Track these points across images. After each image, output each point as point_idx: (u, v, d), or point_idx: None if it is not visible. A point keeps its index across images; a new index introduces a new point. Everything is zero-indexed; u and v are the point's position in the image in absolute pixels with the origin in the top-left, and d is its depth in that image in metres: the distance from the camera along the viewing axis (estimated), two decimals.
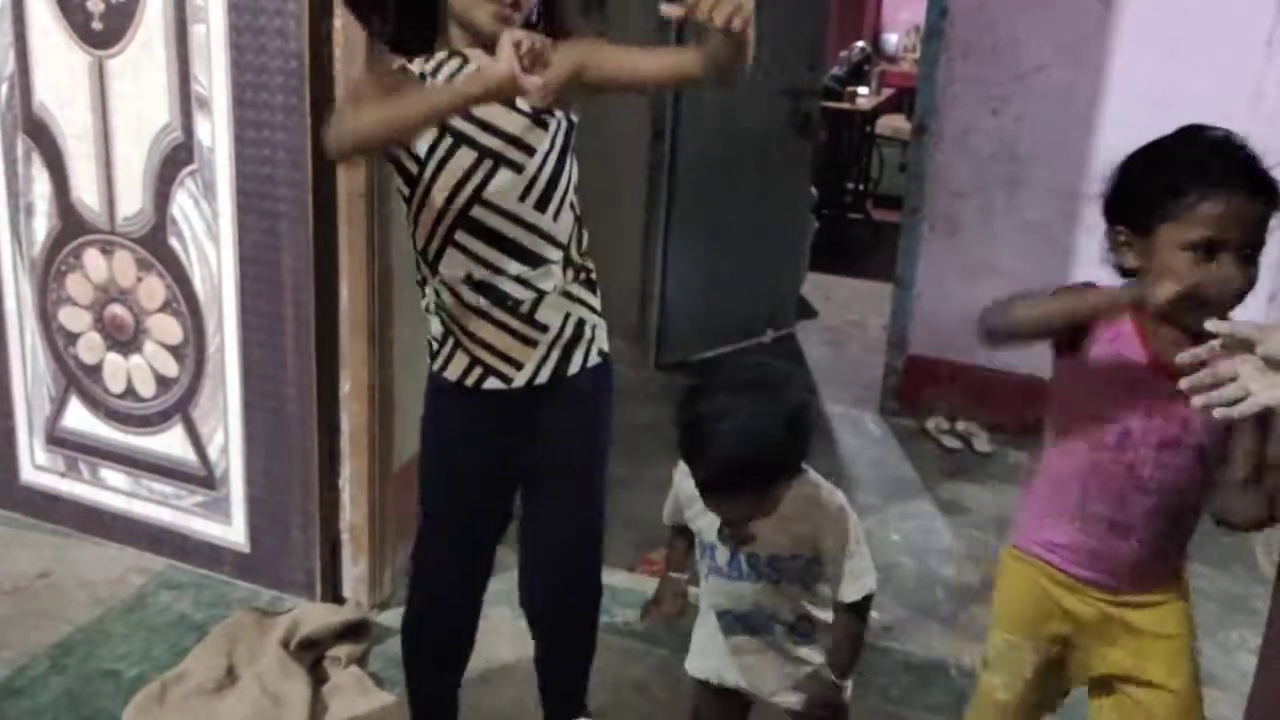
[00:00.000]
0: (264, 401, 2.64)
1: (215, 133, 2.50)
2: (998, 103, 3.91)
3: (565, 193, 1.84)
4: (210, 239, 2.59)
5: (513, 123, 1.77)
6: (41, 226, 2.75)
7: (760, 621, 1.85)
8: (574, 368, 1.90)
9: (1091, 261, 3.98)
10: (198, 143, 2.53)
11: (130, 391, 2.79)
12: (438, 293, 1.88)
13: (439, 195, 1.79)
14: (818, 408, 4.45)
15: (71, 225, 2.72)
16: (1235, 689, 2.53)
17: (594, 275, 1.94)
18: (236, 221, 2.55)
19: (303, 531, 2.69)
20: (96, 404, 2.83)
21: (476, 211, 1.79)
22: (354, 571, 2.73)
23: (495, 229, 1.80)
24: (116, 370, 2.79)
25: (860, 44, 6.52)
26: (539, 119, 1.78)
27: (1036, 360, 4.20)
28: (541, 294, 1.84)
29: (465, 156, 1.77)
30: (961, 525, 3.60)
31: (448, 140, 1.76)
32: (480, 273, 1.82)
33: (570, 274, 1.88)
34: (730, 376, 1.73)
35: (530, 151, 1.78)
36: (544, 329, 1.86)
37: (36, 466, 2.94)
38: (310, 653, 2.54)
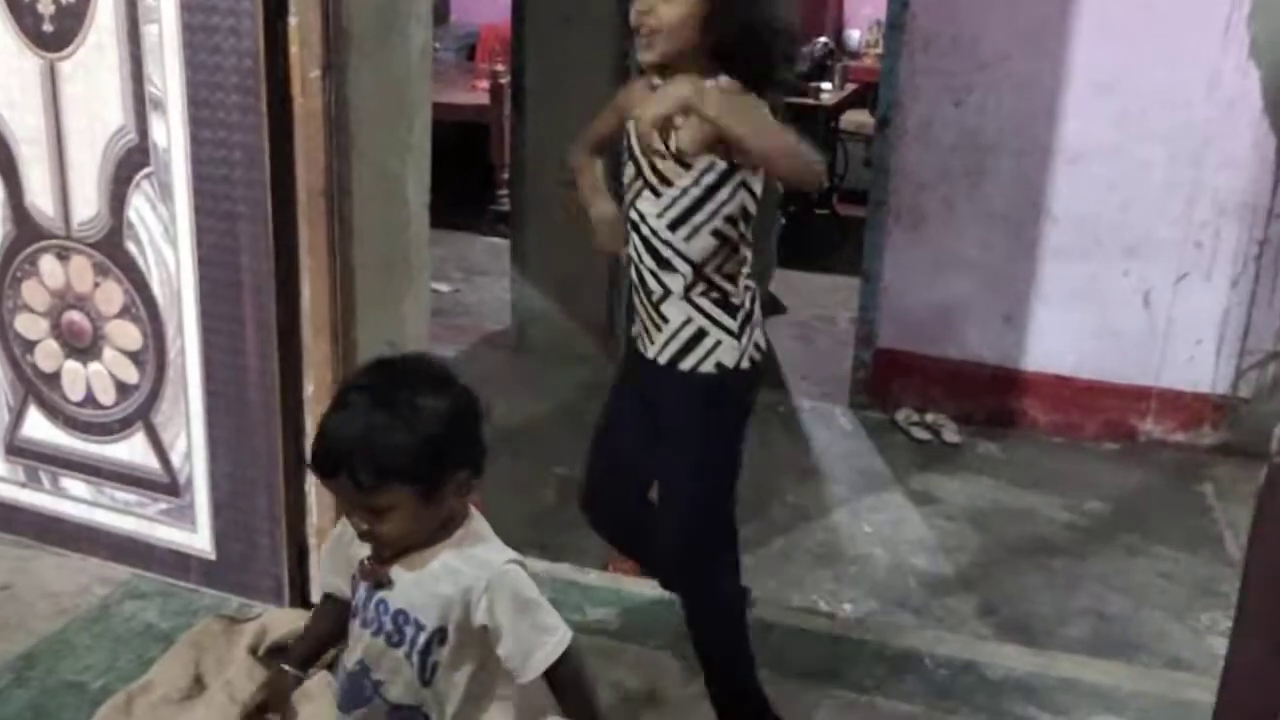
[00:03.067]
0: (227, 405, 2.61)
1: (170, 134, 2.46)
2: (960, 94, 3.93)
3: (706, 221, 2.08)
4: (168, 242, 2.55)
5: (660, 158, 2.06)
6: None
7: (360, 688, 1.63)
8: (686, 365, 2.14)
9: (1059, 252, 4.05)
10: (153, 144, 2.49)
11: (90, 399, 2.75)
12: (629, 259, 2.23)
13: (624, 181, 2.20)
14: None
15: (26, 231, 2.68)
16: (1208, 671, 2.55)
17: (735, 300, 2.15)
18: (194, 224, 2.51)
19: (269, 537, 2.66)
20: (56, 412, 2.79)
21: (633, 214, 2.15)
22: None
23: (643, 231, 2.14)
24: (75, 378, 2.75)
25: (823, 40, 6.53)
26: (683, 160, 2.04)
27: (1006, 351, 4.25)
28: (668, 292, 2.14)
29: (630, 170, 2.15)
30: (933, 516, 3.62)
31: (627, 153, 2.16)
32: (634, 254, 2.18)
33: (700, 286, 2.12)
34: (389, 370, 1.60)
35: (668, 184, 2.07)
36: (665, 320, 2.16)
37: None
38: (279, 659, 2.50)
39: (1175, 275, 3.86)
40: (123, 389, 2.70)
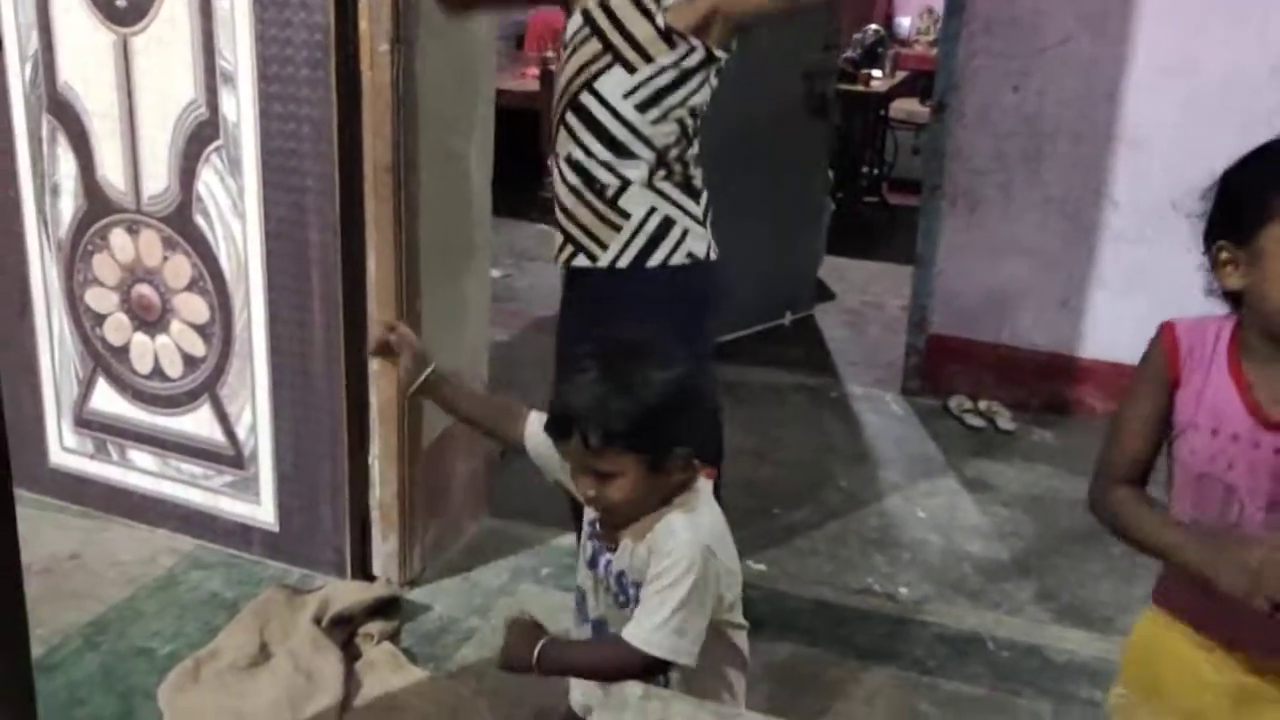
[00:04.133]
0: (292, 379, 2.64)
1: (240, 108, 2.49)
2: (1018, 78, 3.89)
3: (674, 107, 2.02)
4: (236, 215, 2.58)
5: (641, 30, 1.99)
6: (68, 207, 2.74)
7: (602, 637, 1.66)
8: (654, 261, 2.05)
9: (1118, 237, 3.99)
10: (223, 118, 2.52)
11: (157, 372, 2.78)
12: (557, 170, 2.13)
13: (564, 76, 2.08)
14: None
15: (98, 205, 2.71)
16: None
17: (696, 183, 2.08)
18: (262, 197, 2.54)
19: (332, 509, 2.69)
20: (124, 385, 2.83)
21: (585, 98, 2.04)
22: (384, 549, 2.72)
23: (597, 116, 2.02)
24: (144, 351, 2.78)
25: (873, 27, 6.49)
26: (669, 36, 1.99)
27: (1061, 337, 4.21)
28: (626, 183, 2.03)
29: (592, 46, 2.02)
30: (987, 502, 3.58)
31: (585, 28, 2.04)
32: (577, 153, 2.06)
33: (662, 171, 2.05)
34: (623, 343, 1.59)
35: (648, 59, 2.00)
36: (626, 215, 2.05)
37: (65, 449, 2.94)
38: (342, 630, 2.53)
39: None
40: (190, 362, 2.74)
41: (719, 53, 2.06)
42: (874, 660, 2.53)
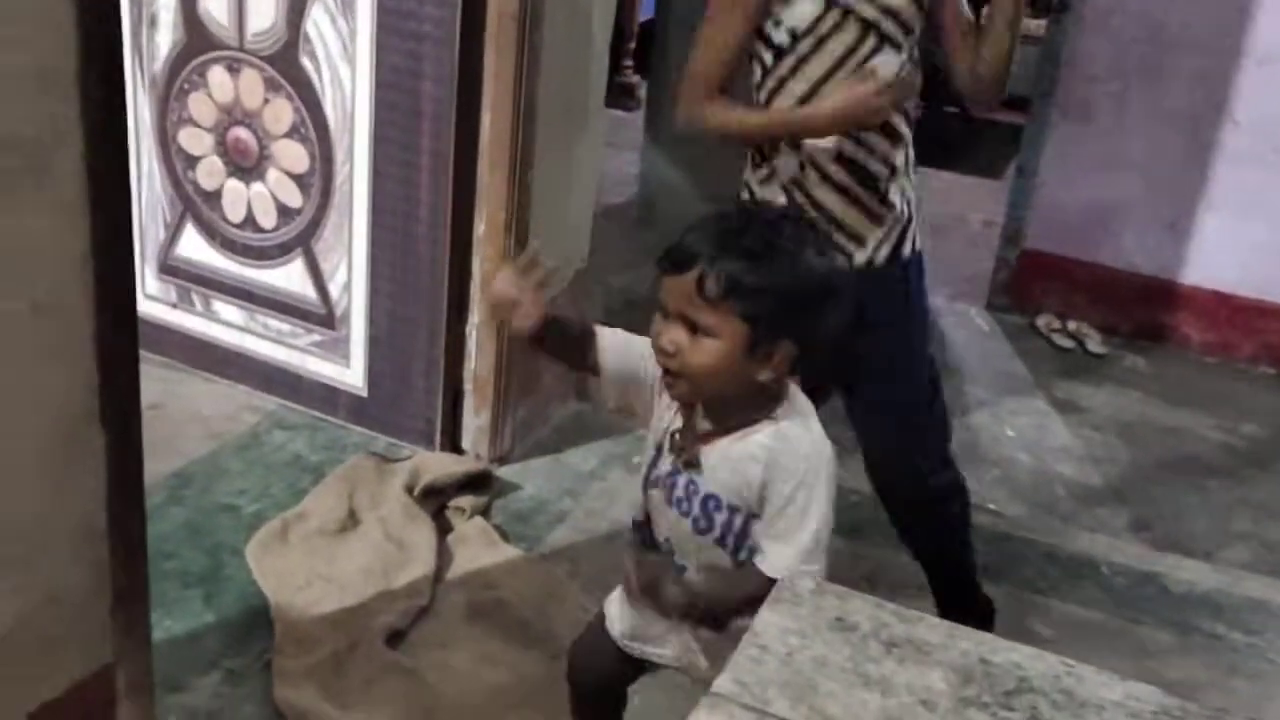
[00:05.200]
0: (392, 239, 2.51)
1: None
2: None
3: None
4: (345, 60, 2.43)
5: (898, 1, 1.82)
6: (165, 40, 2.60)
7: (665, 563, 1.51)
8: (906, 252, 1.94)
9: (1236, 157, 3.81)
10: None
11: (250, 221, 2.66)
12: (802, 166, 1.88)
13: (817, 68, 1.82)
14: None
15: (197, 40, 2.56)
16: None
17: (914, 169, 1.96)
18: (375, 42, 2.38)
19: (425, 378, 2.58)
20: (213, 233, 2.71)
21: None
22: (475, 423, 2.62)
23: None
24: (237, 198, 2.66)
25: None
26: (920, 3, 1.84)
27: (1164, 261, 4.05)
28: (894, 171, 1.90)
29: (850, 31, 1.80)
30: (1077, 425, 3.47)
31: (833, 14, 1.80)
32: (850, 148, 1.85)
33: (910, 155, 1.93)
34: (793, 221, 1.47)
35: (908, 31, 1.84)
36: (891, 207, 1.91)
37: (147, 296, 2.83)
38: (433, 501, 2.45)
39: None
40: (285, 212, 2.61)
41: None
42: (983, 578, 2.43)
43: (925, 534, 2.18)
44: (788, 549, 1.39)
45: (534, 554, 2.38)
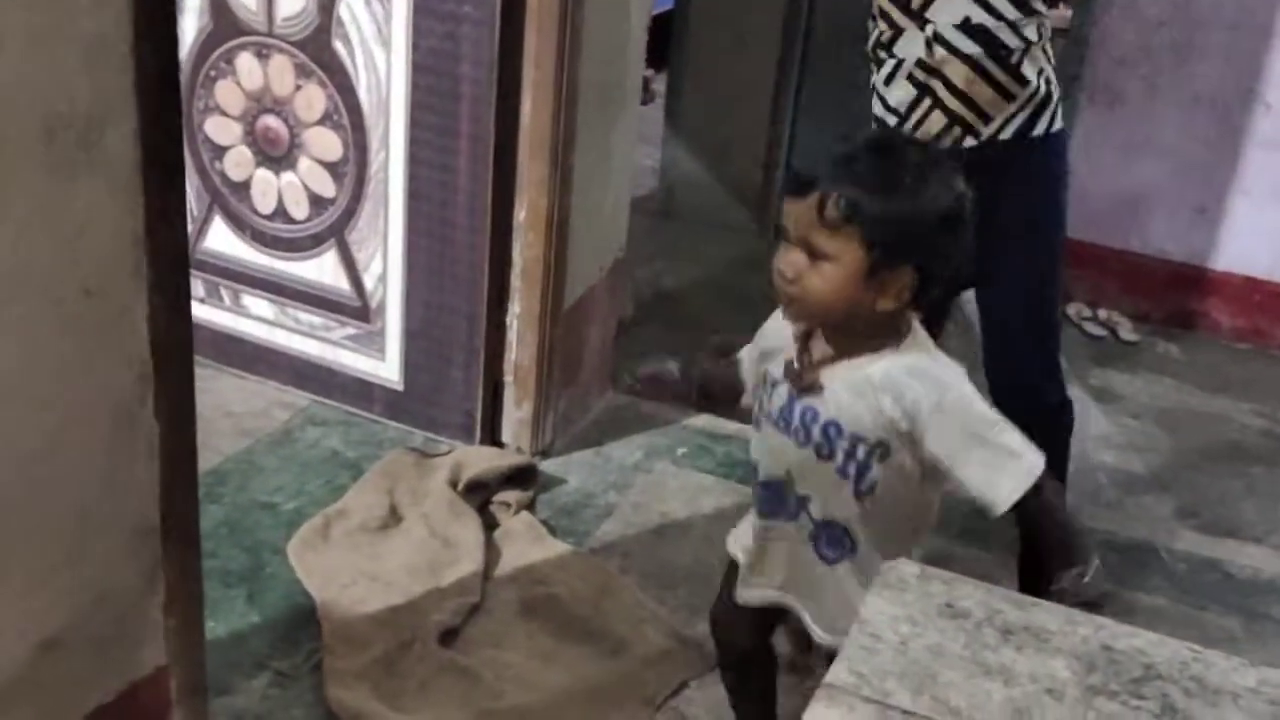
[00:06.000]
0: (429, 227, 2.44)
1: None
2: None
3: None
4: (380, 44, 2.36)
5: None
6: (191, 25, 2.52)
7: (782, 500, 1.50)
8: (1038, 130, 1.89)
9: (1267, 141, 3.76)
10: None
11: (280, 212, 2.59)
12: (928, 43, 1.87)
13: None
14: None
15: (224, 25, 2.49)
16: None
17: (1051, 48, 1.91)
18: (412, 24, 2.31)
19: (464, 370, 2.51)
20: (242, 224, 2.63)
21: None
22: (516, 415, 2.55)
23: None
24: (267, 188, 2.58)
25: None
26: None
27: (1194, 247, 3.99)
28: (1028, 44, 1.84)
29: None
30: (1115, 413, 3.42)
31: None
32: (979, 15, 1.82)
33: (1046, 30, 1.87)
34: (926, 148, 1.47)
35: None
36: (1025, 83, 1.86)
37: None
38: (476, 496, 2.38)
39: None
40: (317, 203, 2.54)
41: None
42: None
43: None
44: (999, 480, 1.35)
45: (584, 549, 2.31)
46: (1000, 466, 1.35)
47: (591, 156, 2.46)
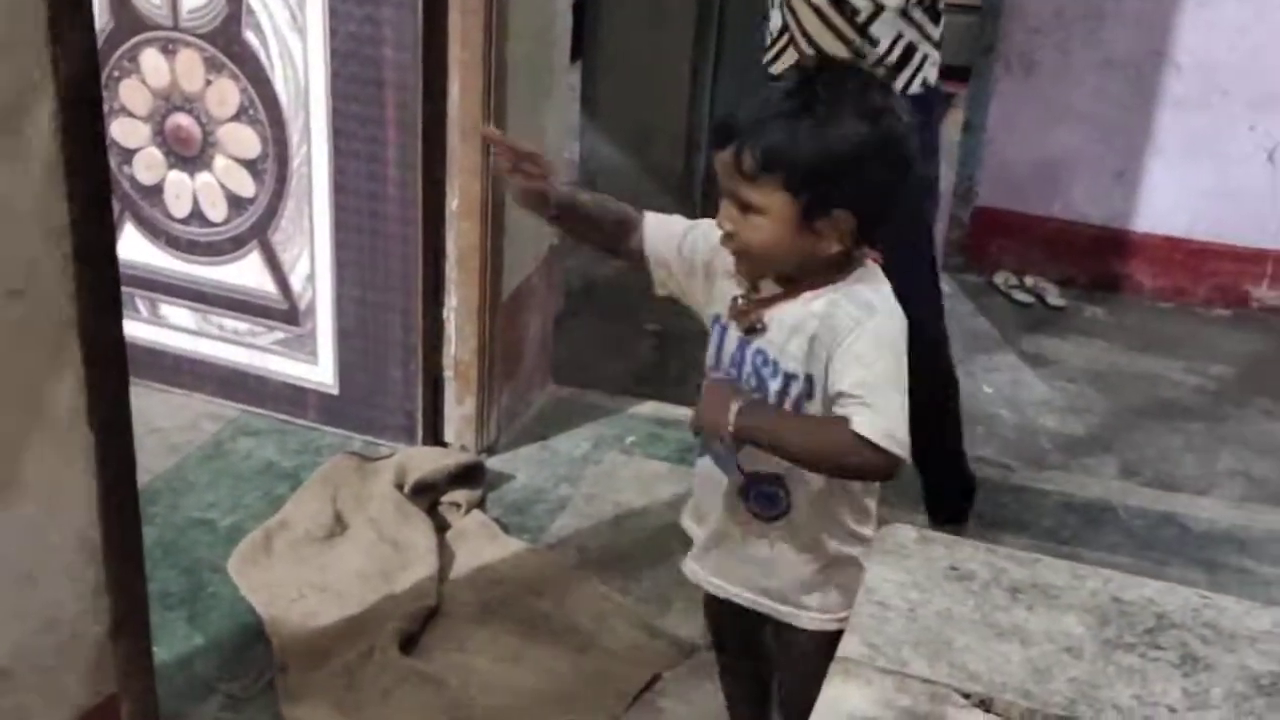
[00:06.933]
0: (358, 222, 2.34)
1: None
2: None
3: None
4: (295, 31, 2.25)
5: None
6: None
7: (719, 450, 1.42)
8: (895, 87, 1.84)
9: (1179, 102, 3.82)
10: None
11: (197, 215, 2.46)
12: None
13: None
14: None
15: (126, 21, 2.36)
16: None
17: (942, 8, 1.93)
18: (328, 9, 2.22)
19: (402, 369, 2.42)
20: (156, 230, 2.50)
21: None
22: (458, 412, 2.46)
23: None
24: (180, 191, 2.46)
25: None
26: None
27: (1114, 210, 4.04)
28: (880, 8, 1.87)
29: None
30: (1051, 378, 3.44)
31: None
32: None
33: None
34: (835, 77, 1.35)
35: None
36: (874, 43, 1.88)
37: None
38: (424, 498, 2.29)
39: None
40: (236, 203, 2.42)
41: None
42: (1004, 530, 2.38)
43: (937, 414, 2.11)
44: (884, 408, 1.26)
45: (540, 545, 2.23)
46: (871, 404, 1.26)
47: (523, 138, 2.38)
